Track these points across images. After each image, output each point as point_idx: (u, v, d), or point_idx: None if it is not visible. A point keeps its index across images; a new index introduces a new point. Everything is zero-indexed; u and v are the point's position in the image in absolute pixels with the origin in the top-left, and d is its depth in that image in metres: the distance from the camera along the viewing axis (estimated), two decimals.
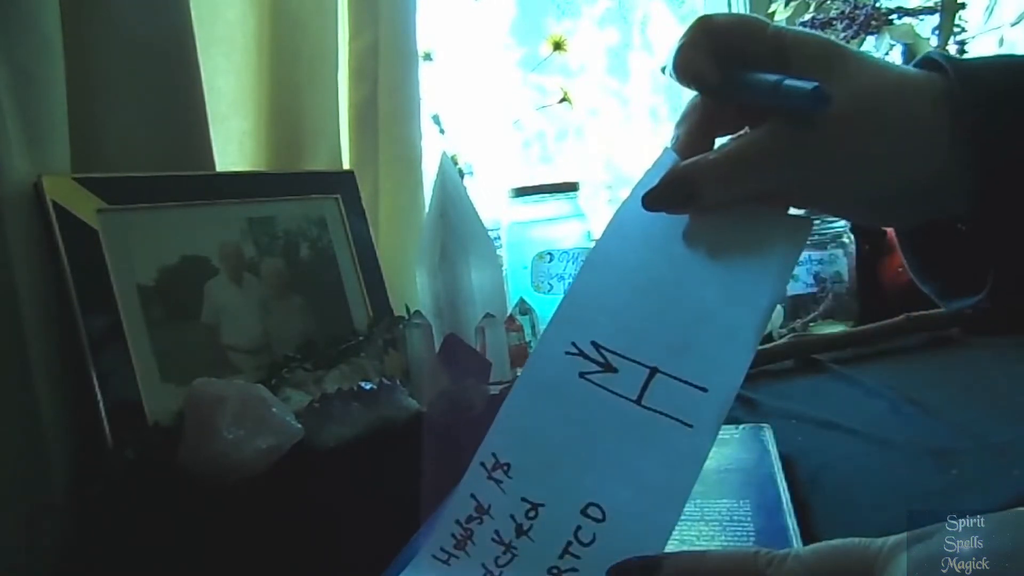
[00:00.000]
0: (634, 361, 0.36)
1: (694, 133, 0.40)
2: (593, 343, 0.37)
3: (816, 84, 0.35)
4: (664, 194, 0.38)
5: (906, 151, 0.37)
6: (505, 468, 0.35)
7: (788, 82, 0.35)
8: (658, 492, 0.33)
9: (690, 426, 0.34)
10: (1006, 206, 0.36)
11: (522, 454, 0.35)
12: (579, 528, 0.33)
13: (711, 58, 0.38)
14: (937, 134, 0.36)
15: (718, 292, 0.37)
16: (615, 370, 0.36)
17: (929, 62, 0.39)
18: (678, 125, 0.41)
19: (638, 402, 0.35)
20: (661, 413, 0.34)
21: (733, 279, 0.37)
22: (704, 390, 0.34)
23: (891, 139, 0.36)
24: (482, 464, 0.36)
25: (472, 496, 0.35)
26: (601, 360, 0.36)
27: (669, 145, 0.40)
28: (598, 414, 0.35)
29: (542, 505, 0.34)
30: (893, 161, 0.37)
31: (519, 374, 0.37)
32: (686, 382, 0.35)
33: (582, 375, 0.36)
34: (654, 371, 0.35)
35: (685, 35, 0.39)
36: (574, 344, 0.37)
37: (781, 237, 0.38)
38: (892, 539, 0.27)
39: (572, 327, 0.37)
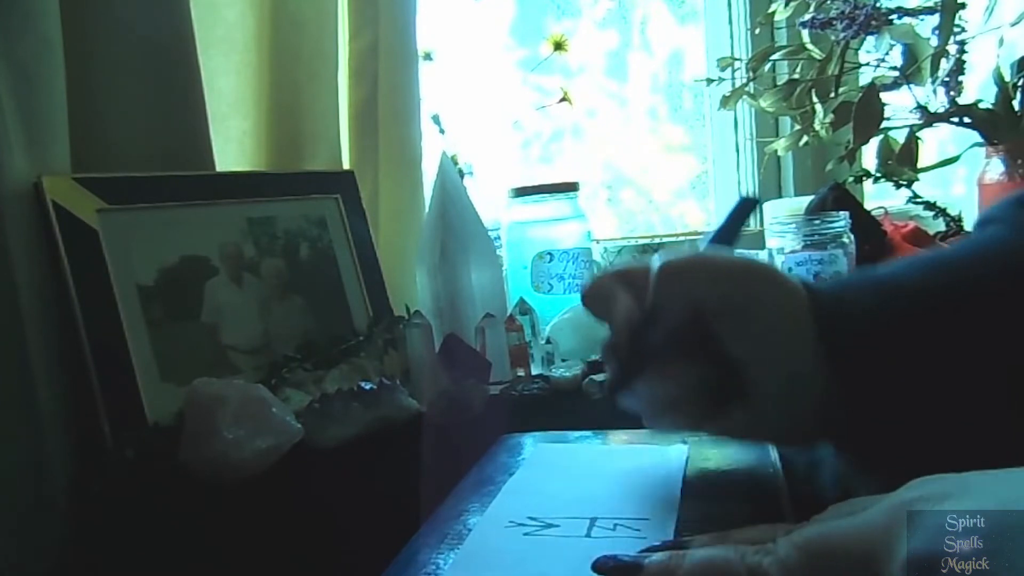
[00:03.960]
0: (572, 517, 0.38)
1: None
2: (529, 516, 0.39)
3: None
4: None
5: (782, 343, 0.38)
6: None
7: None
8: None
9: (642, 534, 0.36)
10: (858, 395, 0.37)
11: None
12: None
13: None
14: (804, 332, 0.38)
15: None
16: (556, 525, 0.38)
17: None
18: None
19: (586, 536, 0.37)
20: (612, 537, 0.36)
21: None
22: (645, 519, 0.37)
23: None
24: None
25: None
26: (541, 524, 0.38)
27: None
28: (550, 550, 0.36)
29: None
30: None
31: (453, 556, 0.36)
32: (627, 518, 0.38)
33: (525, 535, 0.37)
34: (593, 520, 0.38)
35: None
36: (511, 520, 0.39)
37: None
38: (882, 516, 0.26)
39: (505, 511, 0.40)
